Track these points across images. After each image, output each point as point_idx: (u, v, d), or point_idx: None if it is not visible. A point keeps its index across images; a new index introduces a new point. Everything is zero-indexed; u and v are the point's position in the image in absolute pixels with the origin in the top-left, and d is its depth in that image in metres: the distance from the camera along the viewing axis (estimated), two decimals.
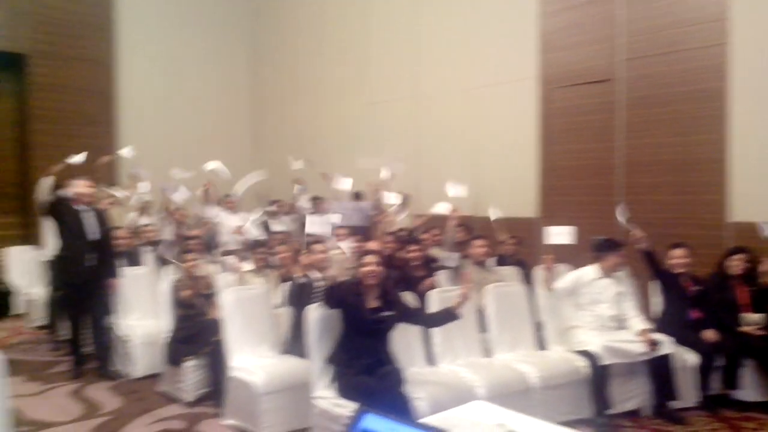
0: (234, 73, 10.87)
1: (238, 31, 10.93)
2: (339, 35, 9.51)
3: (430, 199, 6.48)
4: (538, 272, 4.87)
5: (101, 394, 4.78)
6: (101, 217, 5.26)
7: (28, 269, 7.20)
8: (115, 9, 9.41)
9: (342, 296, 3.60)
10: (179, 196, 7.09)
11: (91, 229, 5.09)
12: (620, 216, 4.99)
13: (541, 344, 4.64)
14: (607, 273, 4.52)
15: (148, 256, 6.22)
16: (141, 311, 5.50)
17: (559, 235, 4.73)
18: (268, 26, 10.86)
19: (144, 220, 6.84)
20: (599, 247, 4.59)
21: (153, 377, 5.00)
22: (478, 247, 5.31)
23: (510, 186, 7.22)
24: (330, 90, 9.63)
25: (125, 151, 7.47)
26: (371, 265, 3.61)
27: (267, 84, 10.87)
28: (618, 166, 6.39)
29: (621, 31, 6.35)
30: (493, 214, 6.11)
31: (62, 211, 5.08)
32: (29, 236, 8.00)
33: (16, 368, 5.19)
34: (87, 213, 5.12)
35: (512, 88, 7.30)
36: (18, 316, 7.01)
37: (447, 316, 3.72)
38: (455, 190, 6.39)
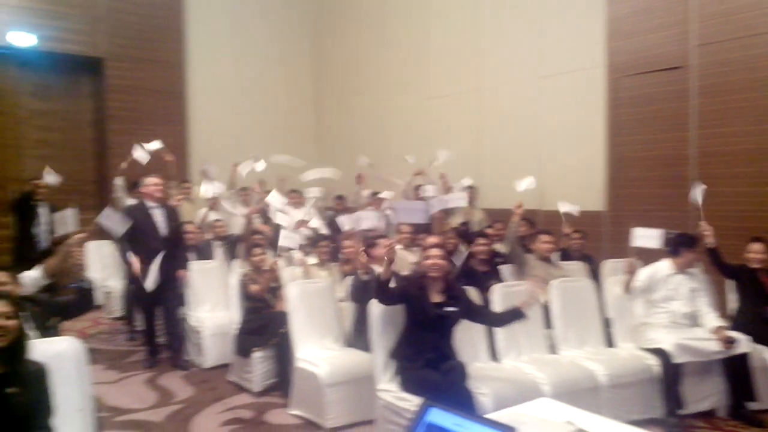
0: (297, 72, 11.06)
1: (301, 31, 11.10)
2: (399, 30, 9.51)
3: (493, 192, 6.41)
4: (621, 275, 4.68)
5: (174, 382, 4.99)
6: (172, 213, 5.46)
7: (105, 263, 7.57)
8: (186, 12, 9.73)
9: (405, 290, 3.61)
10: (212, 171, 7.51)
11: (161, 225, 5.30)
12: (696, 195, 4.78)
13: (610, 341, 4.53)
14: (682, 269, 4.35)
15: (217, 250, 6.44)
16: (211, 303, 5.70)
17: (647, 238, 4.52)
18: (330, 25, 10.98)
19: (213, 216, 7.07)
20: (674, 242, 4.42)
21: (223, 367, 5.16)
22: (544, 242, 5.22)
23: (576, 178, 7.04)
24: (390, 86, 9.65)
25: (151, 145, 7.54)
26: (436, 258, 3.61)
27: (329, 82, 11.00)
28: (691, 156, 6.13)
29: (694, 15, 6.08)
30: (563, 207, 6.00)
31: (136, 213, 5.33)
32: (107, 231, 8.40)
33: (95, 357, 5.44)
34: (157, 210, 5.33)
35: (578, 77, 7.11)
36: (97, 307, 7.39)
37: (513, 315, 3.66)
38: (525, 183, 6.26)
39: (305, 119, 11.14)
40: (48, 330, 3.14)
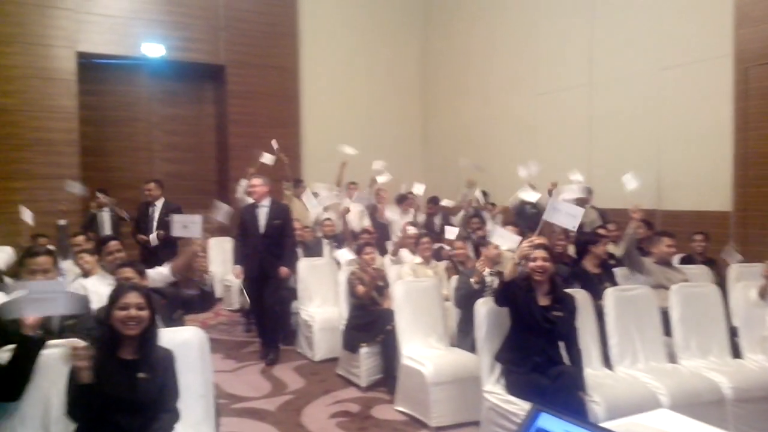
0: (405, 75, 11.13)
1: (410, 34, 11.16)
2: (508, 24, 9.32)
3: (606, 191, 6.13)
4: (749, 281, 4.33)
5: (286, 374, 5.20)
6: (274, 212, 5.56)
7: (226, 258, 8.02)
8: (299, 20, 10.09)
9: (513, 292, 3.55)
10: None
11: (261, 223, 5.49)
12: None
13: (736, 352, 4.20)
14: None
15: (326, 248, 6.64)
16: (321, 299, 5.87)
17: None
18: (439, 25, 10.95)
19: (324, 215, 7.29)
20: None
21: (332, 361, 5.31)
22: (667, 246, 4.93)
23: (699, 177, 6.59)
24: (499, 83, 9.48)
25: (347, 149, 7.80)
26: (540, 260, 3.52)
27: (436, 84, 10.98)
28: None
29: None
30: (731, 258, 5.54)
31: (245, 212, 5.63)
32: (227, 228, 8.91)
33: (214, 346, 5.74)
34: (261, 209, 5.53)
35: (701, 68, 6.65)
36: (217, 300, 7.82)
37: (582, 377, 3.43)
38: (630, 181, 5.90)
39: (413, 121, 11.20)
40: (173, 322, 3.37)
